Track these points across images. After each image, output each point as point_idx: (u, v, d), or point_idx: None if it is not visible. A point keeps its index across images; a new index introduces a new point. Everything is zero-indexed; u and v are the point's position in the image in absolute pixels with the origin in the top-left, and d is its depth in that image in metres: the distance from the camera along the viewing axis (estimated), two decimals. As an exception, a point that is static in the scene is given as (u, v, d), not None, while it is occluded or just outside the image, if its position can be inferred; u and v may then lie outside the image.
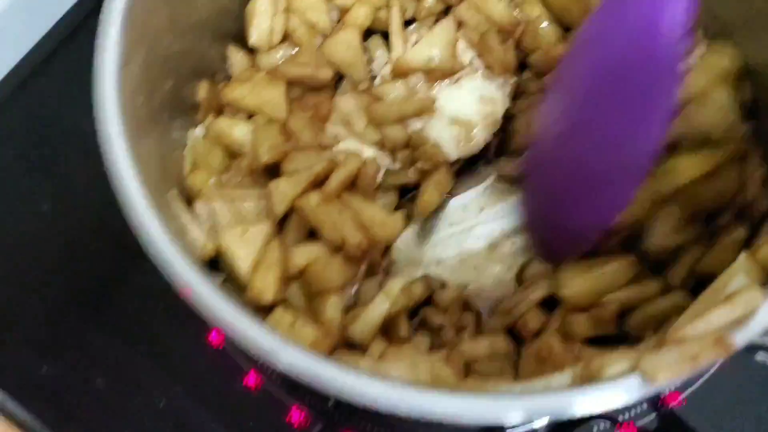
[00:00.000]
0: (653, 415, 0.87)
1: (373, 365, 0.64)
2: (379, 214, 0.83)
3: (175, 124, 0.84)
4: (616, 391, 0.60)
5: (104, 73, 0.69)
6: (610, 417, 0.87)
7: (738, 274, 0.68)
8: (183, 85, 0.84)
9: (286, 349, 0.61)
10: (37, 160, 1.00)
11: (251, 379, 0.88)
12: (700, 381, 0.87)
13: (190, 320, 0.81)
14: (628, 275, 0.80)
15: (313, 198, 0.81)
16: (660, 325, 0.76)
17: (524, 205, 0.85)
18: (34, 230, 0.96)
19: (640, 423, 0.86)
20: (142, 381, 0.88)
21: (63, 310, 0.91)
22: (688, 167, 0.79)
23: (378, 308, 0.77)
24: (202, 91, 0.87)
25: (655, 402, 0.87)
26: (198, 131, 0.86)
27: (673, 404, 0.87)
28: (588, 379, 0.64)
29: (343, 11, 0.94)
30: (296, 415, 0.86)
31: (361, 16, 0.93)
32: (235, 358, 0.89)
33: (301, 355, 0.61)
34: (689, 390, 0.87)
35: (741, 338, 0.61)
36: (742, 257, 0.69)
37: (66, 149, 1.00)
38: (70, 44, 1.05)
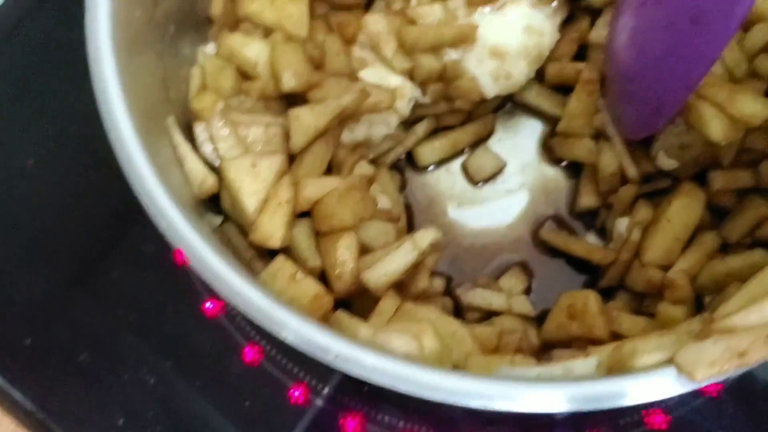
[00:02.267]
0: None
1: (373, 335, 0.57)
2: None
3: (184, 40, 0.76)
4: (647, 386, 0.53)
5: None
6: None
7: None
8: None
9: (280, 311, 0.54)
10: (22, 112, 0.91)
11: (249, 355, 0.80)
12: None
13: (183, 290, 0.79)
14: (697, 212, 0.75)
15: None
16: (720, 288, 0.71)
17: (609, 81, 0.78)
18: (17, 189, 0.87)
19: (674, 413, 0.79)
20: (129, 356, 0.81)
21: (47, 279, 0.84)
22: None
23: (402, 259, 0.69)
24: (218, 3, 0.78)
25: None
26: (209, 48, 0.78)
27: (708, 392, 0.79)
28: (616, 367, 0.57)
29: None
30: (296, 393, 0.80)
31: None
32: (232, 331, 0.82)
33: (295, 320, 0.54)
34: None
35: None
36: None
37: (53, 100, 0.90)
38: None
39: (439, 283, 0.81)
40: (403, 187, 0.87)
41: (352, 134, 0.79)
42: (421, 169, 0.87)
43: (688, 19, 0.61)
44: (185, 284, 0.82)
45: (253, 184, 0.68)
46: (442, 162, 0.88)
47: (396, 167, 0.87)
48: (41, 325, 0.82)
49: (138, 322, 0.82)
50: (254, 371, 0.81)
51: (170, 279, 0.82)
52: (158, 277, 0.83)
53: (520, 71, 0.82)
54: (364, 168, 0.77)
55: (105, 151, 0.60)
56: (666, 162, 0.78)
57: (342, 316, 0.61)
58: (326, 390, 0.79)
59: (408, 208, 0.86)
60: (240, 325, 0.81)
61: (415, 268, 0.71)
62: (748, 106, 0.70)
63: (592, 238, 0.85)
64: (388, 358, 0.54)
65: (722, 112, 0.71)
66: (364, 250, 0.71)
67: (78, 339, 0.81)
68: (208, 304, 0.81)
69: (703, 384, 0.53)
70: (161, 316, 0.82)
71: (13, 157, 0.87)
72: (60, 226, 0.86)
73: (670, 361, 0.54)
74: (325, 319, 0.63)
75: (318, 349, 0.53)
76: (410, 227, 0.85)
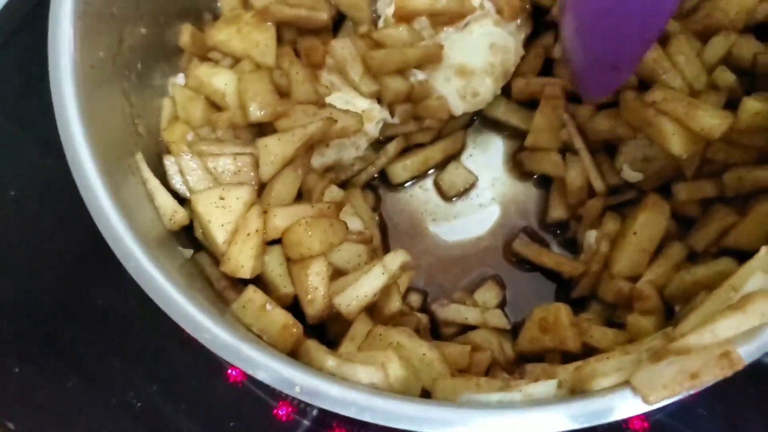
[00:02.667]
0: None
1: (339, 365, 0.59)
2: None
3: (154, 72, 0.77)
4: (603, 408, 0.54)
5: (59, 21, 0.62)
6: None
7: (756, 273, 0.60)
8: (165, 27, 0.77)
9: (245, 347, 0.56)
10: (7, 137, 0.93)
11: (232, 376, 0.83)
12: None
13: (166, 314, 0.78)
14: (662, 225, 0.76)
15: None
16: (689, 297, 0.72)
17: (565, 40, 0.77)
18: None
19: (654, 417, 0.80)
20: (116, 380, 0.83)
21: (33, 306, 0.86)
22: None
23: (372, 282, 0.71)
24: (186, 33, 0.80)
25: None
26: (180, 79, 0.79)
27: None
28: (578, 388, 0.58)
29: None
30: (281, 412, 0.81)
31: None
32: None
33: (260, 354, 0.56)
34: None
35: (749, 352, 0.55)
36: (763, 251, 0.61)
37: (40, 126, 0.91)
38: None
39: (415, 299, 0.83)
40: (377, 205, 0.88)
41: (322, 158, 0.81)
42: (395, 186, 0.89)
43: None
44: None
45: (221, 216, 0.70)
46: (415, 179, 0.89)
47: (370, 186, 0.88)
48: (28, 353, 0.84)
49: (124, 346, 0.84)
50: (239, 391, 0.83)
51: (154, 304, 0.83)
52: (143, 302, 0.84)
53: (486, 88, 0.83)
54: (334, 192, 0.79)
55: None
56: (631, 175, 0.79)
57: (310, 346, 0.62)
58: (314, 411, 0.81)
59: (384, 226, 0.88)
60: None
61: (386, 290, 0.73)
62: (707, 120, 0.71)
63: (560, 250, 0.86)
64: (351, 390, 0.55)
65: (682, 127, 0.72)
66: (337, 273, 0.73)
67: (65, 365, 0.83)
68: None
69: (657, 406, 0.54)
70: (146, 340, 0.84)
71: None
72: (45, 254, 0.87)
73: (627, 383, 0.56)
74: (296, 348, 0.65)
75: (283, 383, 0.55)
76: (386, 245, 0.86)
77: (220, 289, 0.70)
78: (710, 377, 0.54)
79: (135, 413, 0.82)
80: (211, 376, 0.83)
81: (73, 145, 0.60)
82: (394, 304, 0.74)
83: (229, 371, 0.83)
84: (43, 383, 0.83)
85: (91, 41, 0.63)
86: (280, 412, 0.81)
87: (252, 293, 0.67)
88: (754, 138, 0.74)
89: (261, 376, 0.56)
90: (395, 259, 0.72)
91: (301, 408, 0.82)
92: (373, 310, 0.73)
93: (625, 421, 0.80)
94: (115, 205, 0.60)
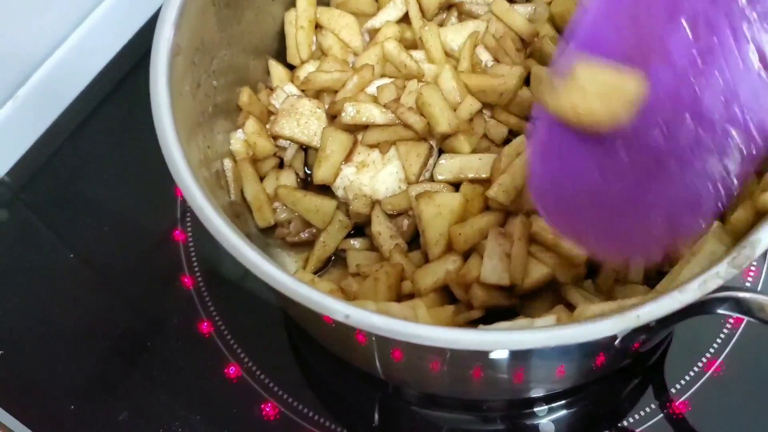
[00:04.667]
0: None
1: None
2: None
3: (218, 124, 0.93)
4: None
5: (158, 61, 0.78)
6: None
7: (709, 240, 0.73)
8: (228, 88, 0.94)
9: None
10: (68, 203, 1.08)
11: (267, 409, 0.92)
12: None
13: (208, 355, 0.95)
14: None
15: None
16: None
17: None
18: (61, 277, 1.02)
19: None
20: (163, 413, 0.92)
21: (89, 350, 0.97)
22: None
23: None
24: (244, 96, 0.97)
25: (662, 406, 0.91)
26: (239, 134, 0.96)
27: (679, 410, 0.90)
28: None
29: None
30: None
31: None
32: (252, 387, 0.93)
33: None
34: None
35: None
36: (715, 225, 0.74)
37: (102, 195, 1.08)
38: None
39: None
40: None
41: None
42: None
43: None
44: (211, 350, 0.95)
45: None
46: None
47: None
48: (84, 392, 0.94)
49: (169, 383, 0.94)
50: (272, 424, 0.92)
51: (197, 346, 0.96)
52: (187, 345, 0.96)
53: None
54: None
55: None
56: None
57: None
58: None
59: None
60: (262, 381, 0.94)
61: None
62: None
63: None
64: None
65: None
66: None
67: (117, 401, 0.93)
68: (230, 370, 0.94)
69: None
70: (189, 377, 0.95)
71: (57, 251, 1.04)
72: (105, 307, 1.00)
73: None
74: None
75: (333, 312, 0.66)
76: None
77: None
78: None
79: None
80: (246, 406, 0.92)
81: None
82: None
83: (264, 405, 0.92)
84: (97, 417, 0.93)
85: (179, 80, 0.81)
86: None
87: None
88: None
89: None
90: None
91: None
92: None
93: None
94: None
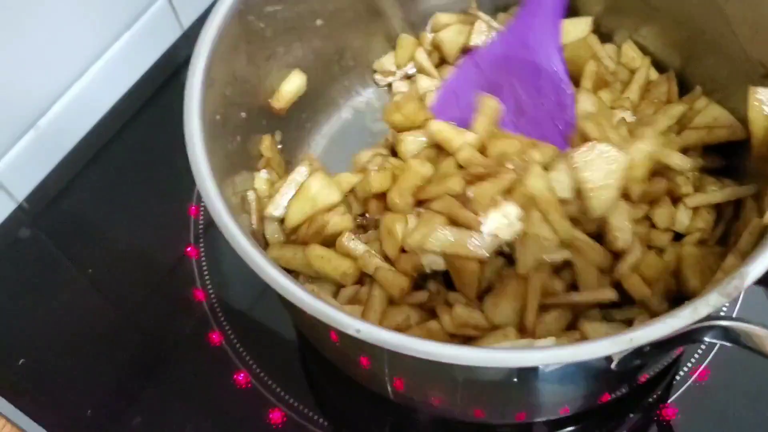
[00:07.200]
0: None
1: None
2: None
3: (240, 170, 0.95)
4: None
5: (192, 90, 0.82)
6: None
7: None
8: (249, 135, 0.97)
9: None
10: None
11: (275, 417, 0.96)
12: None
13: (218, 363, 0.99)
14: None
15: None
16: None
17: None
18: (80, 292, 1.07)
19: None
20: (175, 418, 0.97)
21: (110, 364, 1.02)
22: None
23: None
24: (266, 142, 0.99)
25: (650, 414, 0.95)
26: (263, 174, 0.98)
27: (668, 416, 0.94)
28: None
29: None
30: None
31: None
32: (261, 395, 0.98)
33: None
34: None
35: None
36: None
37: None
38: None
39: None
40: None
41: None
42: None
43: None
44: (221, 358, 1.01)
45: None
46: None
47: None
48: (100, 399, 0.99)
49: (182, 389, 0.99)
50: (280, 429, 0.96)
51: (208, 355, 1.01)
52: (198, 354, 1.01)
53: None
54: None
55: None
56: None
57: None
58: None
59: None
60: (271, 388, 0.98)
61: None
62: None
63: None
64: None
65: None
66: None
67: (132, 408, 0.98)
68: (240, 376, 0.99)
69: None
70: (200, 384, 1.00)
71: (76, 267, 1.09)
72: (123, 319, 1.06)
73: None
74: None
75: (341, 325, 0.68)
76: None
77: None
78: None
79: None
80: (255, 412, 0.97)
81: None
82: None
83: (272, 412, 0.97)
84: (112, 422, 0.97)
85: (209, 108, 0.84)
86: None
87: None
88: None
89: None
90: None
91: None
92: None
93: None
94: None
